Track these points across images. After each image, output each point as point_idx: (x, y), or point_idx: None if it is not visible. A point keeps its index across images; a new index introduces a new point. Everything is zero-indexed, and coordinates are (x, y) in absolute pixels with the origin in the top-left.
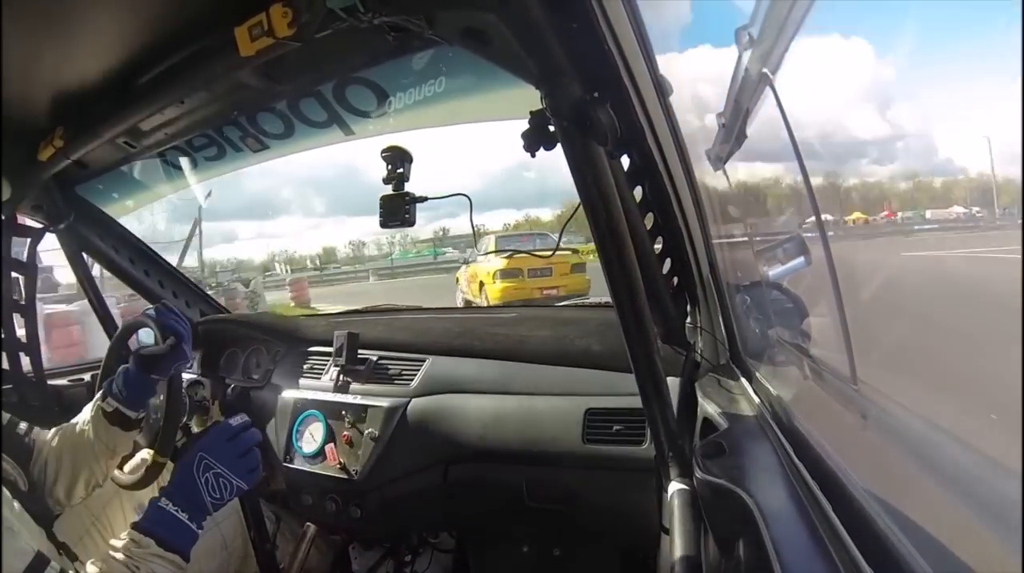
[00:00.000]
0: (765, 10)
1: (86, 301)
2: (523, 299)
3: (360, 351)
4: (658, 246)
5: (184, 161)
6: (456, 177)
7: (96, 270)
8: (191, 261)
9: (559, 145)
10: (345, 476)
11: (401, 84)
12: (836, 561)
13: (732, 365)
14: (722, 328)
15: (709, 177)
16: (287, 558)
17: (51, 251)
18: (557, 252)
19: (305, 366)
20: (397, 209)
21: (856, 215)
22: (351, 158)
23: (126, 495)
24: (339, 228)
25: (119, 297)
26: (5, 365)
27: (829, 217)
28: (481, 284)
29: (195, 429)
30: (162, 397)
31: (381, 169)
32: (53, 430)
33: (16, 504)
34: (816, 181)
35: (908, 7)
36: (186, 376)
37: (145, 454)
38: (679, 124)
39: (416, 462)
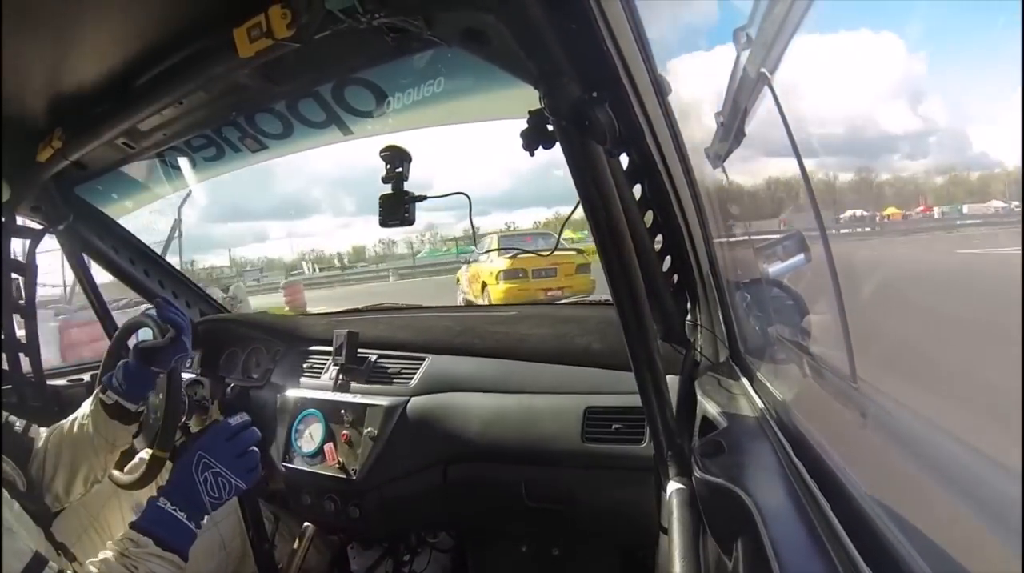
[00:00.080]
0: (763, 11)
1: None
2: (527, 300)
3: (360, 350)
4: (658, 244)
5: (183, 161)
6: (485, 175)
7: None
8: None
9: (558, 144)
10: (344, 476)
11: (400, 85)
12: (834, 560)
13: (732, 363)
14: (722, 326)
15: (708, 175)
16: (285, 558)
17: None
18: (562, 252)
19: (305, 365)
20: (396, 208)
21: (891, 211)
22: (377, 159)
23: (124, 495)
24: (369, 227)
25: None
26: (5, 365)
27: (862, 212)
28: (483, 285)
29: (194, 428)
30: (162, 395)
31: (412, 167)
32: (51, 428)
33: (15, 504)
34: (846, 177)
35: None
36: (185, 375)
37: (145, 455)
38: (678, 123)
39: (415, 461)
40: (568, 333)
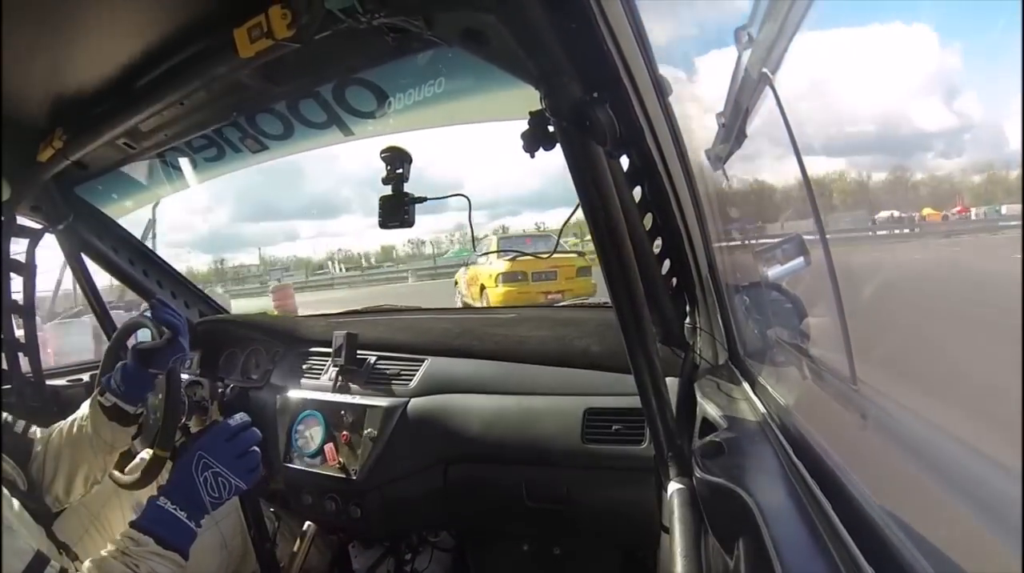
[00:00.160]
0: (764, 10)
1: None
2: (526, 304)
3: (359, 351)
4: (657, 246)
5: (183, 162)
6: (516, 175)
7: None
8: None
9: (558, 145)
10: (344, 476)
11: (401, 85)
12: (836, 560)
13: (731, 365)
14: (721, 328)
15: (709, 177)
16: (287, 557)
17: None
18: (563, 255)
19: (304, 366)
20: (396, 210)
21: (928, 211)
22: (417, 158)
23: (125, 494)
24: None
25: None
26: (4, 365)
27: (896, 214)
28: (482, 287)
29: (194, 429)
30: (161, 395)
31: (442, 167)
32: (50, 429)
33: (16, 503)
34: (880, 176)
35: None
36: (184, 376)
37: (145, 455)
38: (678, 124)
39: (415, 462)
40: (567, 335)
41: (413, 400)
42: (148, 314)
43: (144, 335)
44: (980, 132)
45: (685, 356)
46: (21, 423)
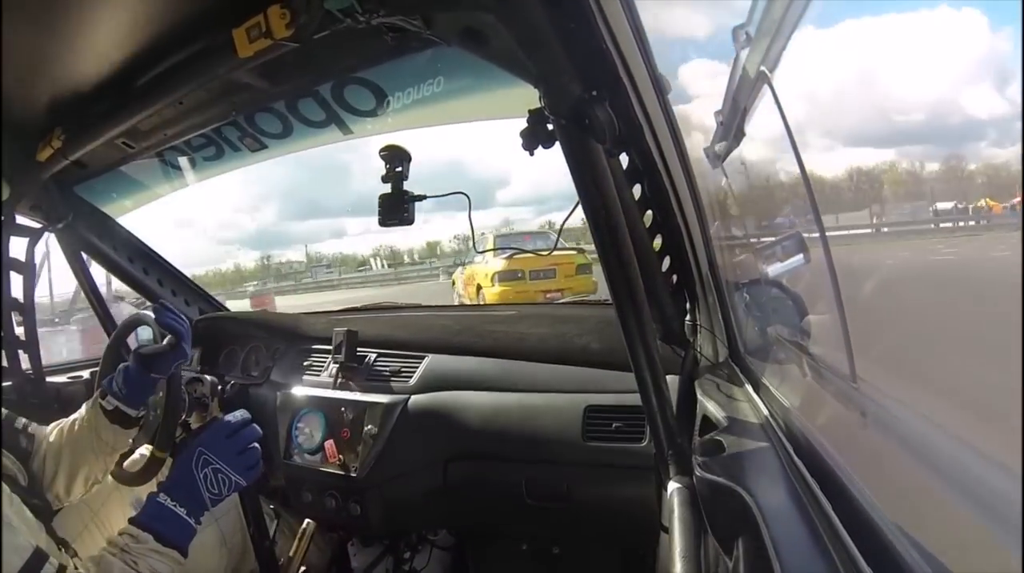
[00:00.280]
0: (762, 9)
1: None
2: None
3: (359, 348)
4: (657, 244)
5: (183, 161)
6: (544, 174)
7: None
8: None
9: (557, 144)
10: (345, 473)
11: (399, 84)
12: (835, 559)
13: (731, 363)
14: (722, 326)
15: (708, 175)
16: (286, 554)
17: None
18: (562, 252)
19: (304, 363)
20: (395, 207)
21: (988, 201)
22: (459, 154)
23: (125, 490)
24: (448, 223)
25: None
26: (4, 362)
27: (947, 205)
28: (479, 287)
29: (194, 426)
30: (161, 393)
31: (489, 165)
32: (51, 426)
33: (15, 499)
34: (933, 167)
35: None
36: (185, 373)
37: (144, 450)
38: (677, 122)
39: (415, 459)
40: (567, 333)
41: (413, 397)
42: (148, 311)
43: (144, 332)
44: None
45: (685, 354)
46: (21, 420)
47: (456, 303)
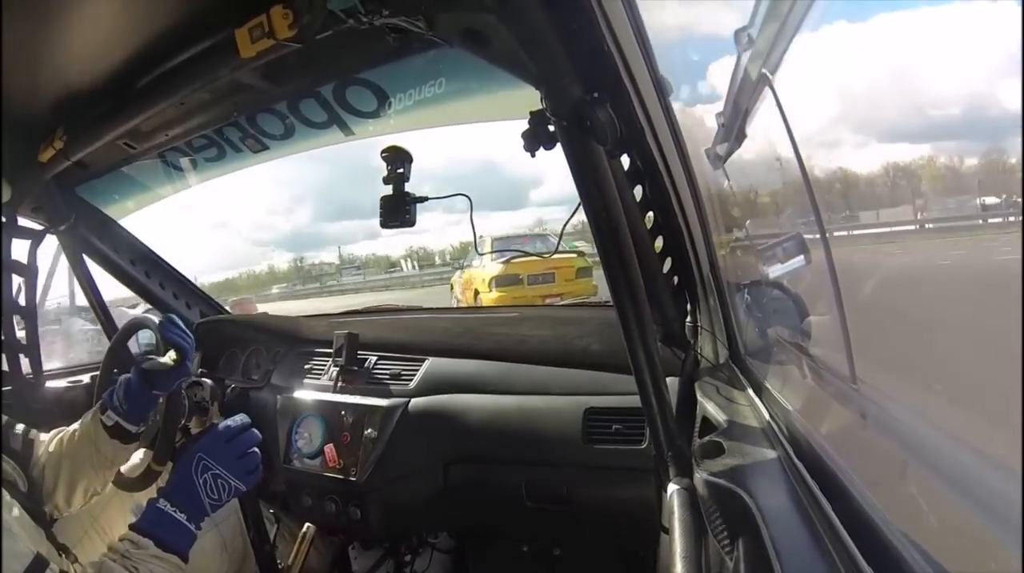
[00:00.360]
0: (764, 11)
1: None
2: None
3: (359, 352)
4: (658, 245)
5: (184, 162)
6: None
7: None
8: None
9: (559, 145)
10: (345, 477)
11: (401, 85)
12: (836, 560)
13: (732, 365)
14: (722, 327)
15: (709, 176)
16: (286, 559)
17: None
18: (562, 255)
19: (305, 367)
20: (397, 209)
21: None
22: (492, 154)
23: (126, 496)
24: (482, 223)
25: None
26: (5, 367)
27: (994, 200)
28: (476, 292)
29: (194, 430)
30: (161, 399)
31: (523, 164)
32: (51, 434)
33: (16, 505)
34: (973, 162)
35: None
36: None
37: (143, 454)
38: (679, 123)
39: (416, 463)
40: (568, 334)
41: (414, 400)
42: (150, 316)
43: (145, 336)
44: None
45: (686, 355)
46: (21, 427)
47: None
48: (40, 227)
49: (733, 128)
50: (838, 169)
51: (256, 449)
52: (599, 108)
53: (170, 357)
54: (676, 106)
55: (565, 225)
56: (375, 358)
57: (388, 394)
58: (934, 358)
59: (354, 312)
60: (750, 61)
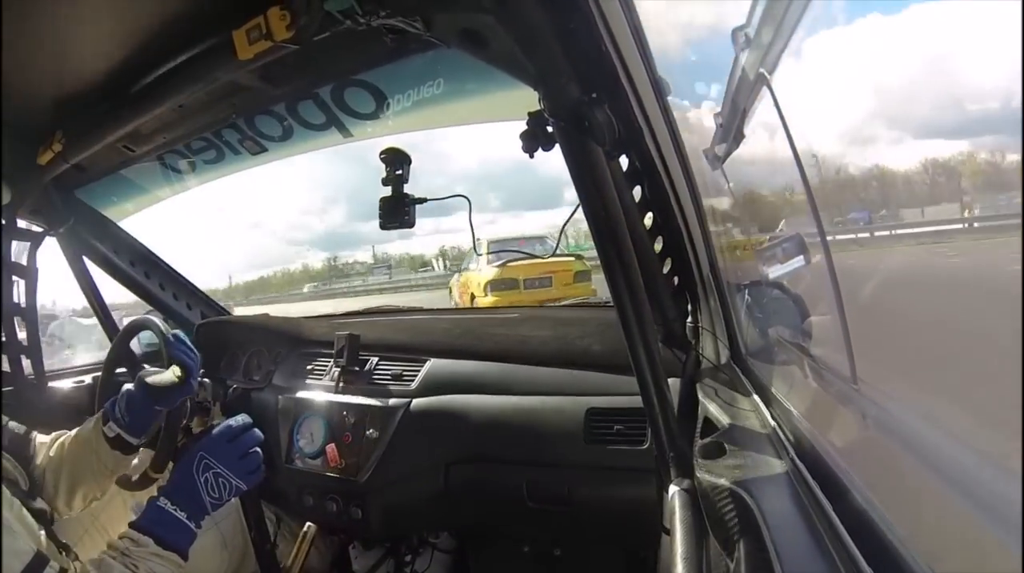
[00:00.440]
0: (762, 11)
1: None
2: None
3: (361, 352)
4: (658, 246)
5: (183, 164)
6: None
7: None
8: None
9: (557, 146)
10: (346, 477)
11: (399, 86)
12: (836, 561)
13: (733, 365)
14: (723, 328)
15: (708, 176)
16: (287, 558)
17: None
18: (559, 259)
19: (306, 367)
20: (396, 211)
21: None
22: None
23: (127, 494)
24: (515, 222)
25: None
26: (6, 367)
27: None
28: (472, 296)
29: (196, 430)
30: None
31: (560, 163)
32: (52, 437)
33: (16, 503)
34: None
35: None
36: None
37: (144, 453)
38: (677, 124)
39: (417, 463)
40: (568, 335)
41: (415, 401)
42: (151, 316)
43: (147, 337)
44: None
45: (687, 356)
46: (22, 428)
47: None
48: (39, 229)
49: (731, 128)
50: (838, 169)
51: (258, 449)
52: (597, 109)
53: (175, 373)
54: (674, 106)
55: (565, 225)
56: (376, 359)
57: (389, 395)
58: (935, 358)
59: (355, 313)
60: (748, 61)
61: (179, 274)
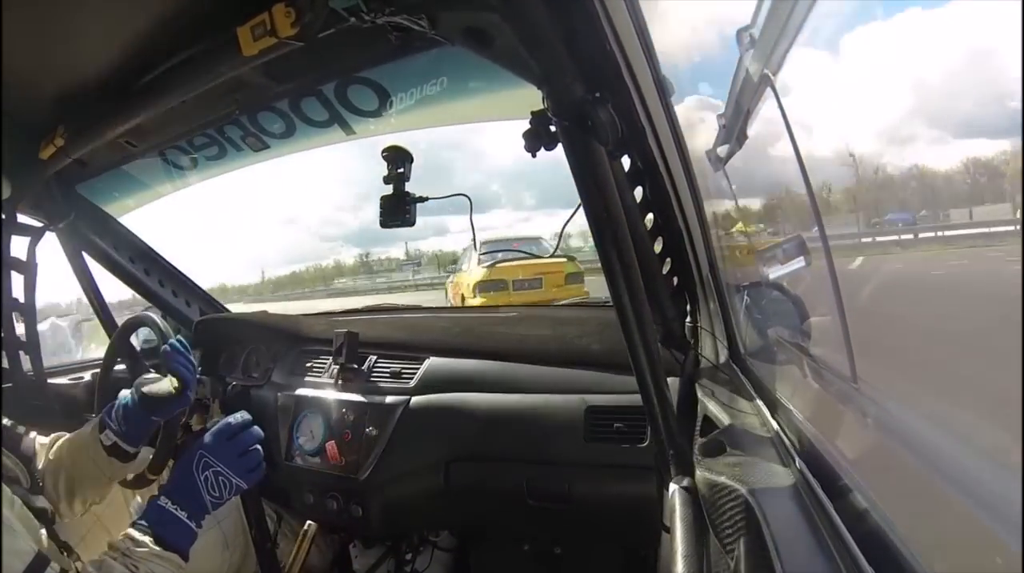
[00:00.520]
0: (767, 11)
1: None
2: None
3: (360, 350)
4: (658, 246)
5: (185, 160)
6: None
7: None
8: None
9: (560, 145)
10: (346, 474)
11: (403, 84)
12: (837, 559)
13: (732, 364)
14: (722, 328)
15: (710, 177)
16: (288, 556)
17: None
18: (550, 260)
19: (305, 365)
20: (397, 209)
21: None
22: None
23: (128, 493)
24: (549, 220)
25: None
26: (5, 364)
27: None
28: (463, 298)
29: (195, 427)
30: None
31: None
32: (50, 439)
33: (17, 502)
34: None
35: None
36: None
37: (145, 450)
38: (680, 124)
39: (417, 460)
40: (568, 334)
41: (414, 398)
42: (150, 312)
43: (145, 334)
44: None
45: (686, 355)
46: (22, 429)
47: None
48: (39, 224)
49: (734, 129)
50: (838, 169)
51: (258, 447)
52: (601, 108)
53: (172, 385)
54: (677, 106)
55: (565, 226)
56: (375, 357)
57: (389, 392)
58: (935, 358)
59: (354, 311)
60: (752, 61)
61: (179, 271)
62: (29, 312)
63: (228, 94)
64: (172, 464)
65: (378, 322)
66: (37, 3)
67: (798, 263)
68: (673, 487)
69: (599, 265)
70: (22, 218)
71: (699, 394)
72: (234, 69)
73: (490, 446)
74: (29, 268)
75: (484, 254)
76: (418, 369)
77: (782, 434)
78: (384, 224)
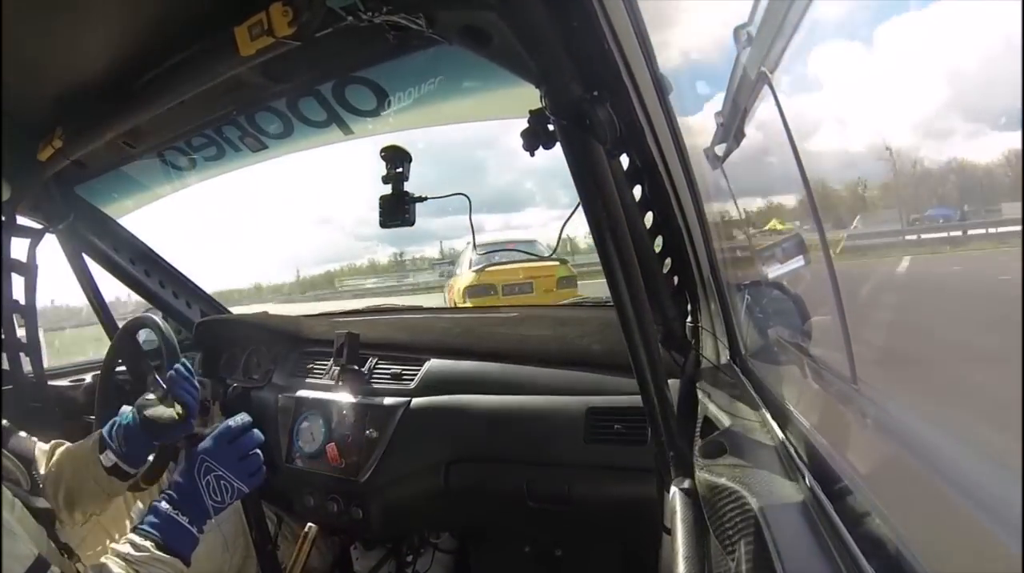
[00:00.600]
0: (763, 9)
1: None
2: None
3: (360, 351)
4: (658, 245)
5: (183, 161)
6: None
7: None
8: None
9: (558, 144)
10: (347, 476)
11: (401, 84)
12: (837, 560)
13: (733, 364)
14: (723, 328)
15: (709, 176)
16: (288, 558)
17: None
18: (542, 263)
19: (306, 366)
20: (396, 209)
21: None
22: None
23: (129, 496)
24: (581, 216)
25: None
26: (5, 365)
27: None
28: (455, 303)
29: (196, 431)
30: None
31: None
32: (50, 446)
33: (17, 505)
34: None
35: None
36: None
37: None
38: (678, 123)
39: (417, 462)
40: (568, 335)
41: (415, 400)
42: (151, 314)
43: (146, 336)
44: None
45: (687, 356)
46: (23, 434)
47: None
48: (39, 226)
49: (732, 127)
50: (838, 168)
51: (258, 451)
52: (599, 107)
53: (176, 411)
54: (675, 105)
55: (564, 226)
56: (376, 358)
57: (389, 394)
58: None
59: (355, 312)
60: (749, 59)
61: (179, 272)
62: (30, 314)
63: (226, 94)
64: (172, 466)
65: (379, 323)
66: (36, 5)
67: (797, 262)
68: (673, 489)
69: (599, 267)
70: (22, 220)
71: (700, 395)
72: (232, 69)
73: (491, 447)
74: (29, 270)
75: (481, 255)
76: (419, 370)
77: (783, 436)
78: (384, 224)
